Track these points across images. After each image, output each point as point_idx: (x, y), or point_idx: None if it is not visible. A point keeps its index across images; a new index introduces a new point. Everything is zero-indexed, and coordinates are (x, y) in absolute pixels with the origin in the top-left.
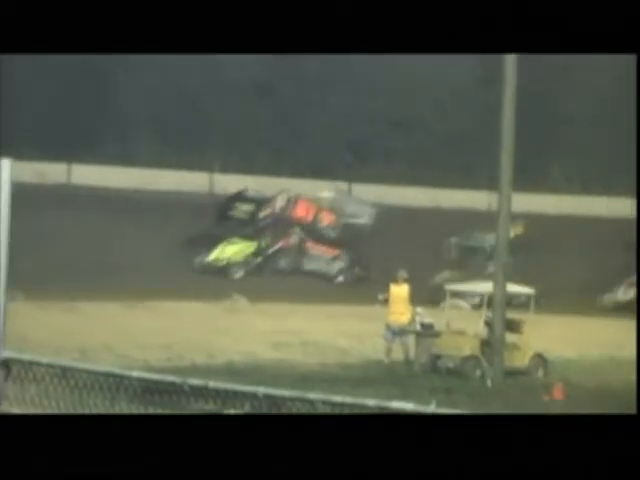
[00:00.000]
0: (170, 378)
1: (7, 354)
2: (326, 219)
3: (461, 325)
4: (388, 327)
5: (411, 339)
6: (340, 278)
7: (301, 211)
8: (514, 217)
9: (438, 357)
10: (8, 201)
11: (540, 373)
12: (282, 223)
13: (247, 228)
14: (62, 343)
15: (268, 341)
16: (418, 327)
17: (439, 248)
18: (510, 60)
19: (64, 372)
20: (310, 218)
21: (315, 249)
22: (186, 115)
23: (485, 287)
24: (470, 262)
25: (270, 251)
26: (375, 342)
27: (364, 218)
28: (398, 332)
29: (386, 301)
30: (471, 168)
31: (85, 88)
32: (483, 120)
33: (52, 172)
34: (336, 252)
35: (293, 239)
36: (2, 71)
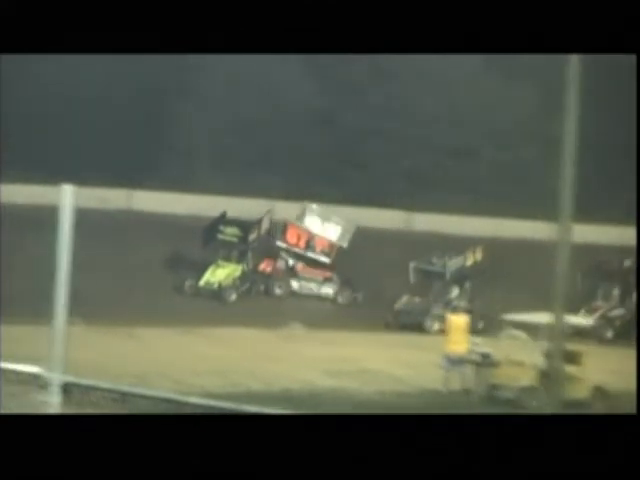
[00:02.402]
0: (226, 404)
1: (67, 379)
2: (319, 244)
3: (519, 355)
4: (446, 356)
5: (469, 369)
6: (340, 299)
7: (292, 237)
8: (473, 244)
9: (496, 387)
10: (70, 226)
11: (601, 406)
12: (268, 246)
13: (233, 251)
14: (120, 368)
15: (324, 369)
16: (476, 357)
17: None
18: (573, 89)
19: (123, 397)
20: (303, 244)
21: (305, 272)
22: (246, 143)
23: (543, 317)
24: (429, 287)
25: (256, 274)
26: (431, 371)
27: (338, 235)
28: (456, 362)
29: (444, 330)
30: (531, 198)
31: (146, 116)
32: (544, 150)
33: (113, 198)
34: (327, 274)
35: (279, 263)
36: (65, 99)
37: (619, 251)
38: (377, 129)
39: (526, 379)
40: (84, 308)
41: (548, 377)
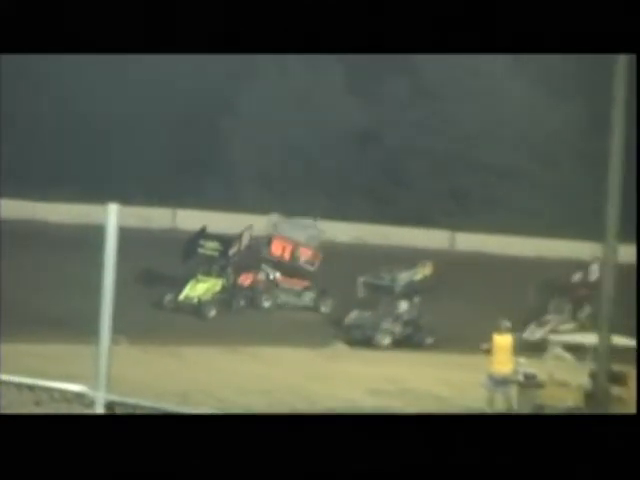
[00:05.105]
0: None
1: (111, 397)
2: (304, 255)
3: (565, 376)
4: (490, 377)
5: (513, 389)
6: (324, 308)
7: (277, 249)
8: (423, 259)
9: (541, 408)
10: (115, 245)
11: None
12: (249, 260)
13: (213, 266)
14: (164, 387)
15: (367, 388)
16: (521, 377)
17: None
18: (619, 108)
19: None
20: (287, 256)
21: (285, 282)
22: (289, 162)
23: (589, 338)
24: (379, 301)
25: (236, 288)
26: (475, 391)
27: (308, 241)
28: (500, 382)
29: (488, 351)
30: (575, 218)
31: (191, 135)
32: (589, 170)
33: (157, 217)
34: (305, 283)
35: (260, 275)
36: (109, 117)
37: (570, 265)
38: (421, 148)
39: (571, 400)
40: (127, 327)
41: (594, 398)
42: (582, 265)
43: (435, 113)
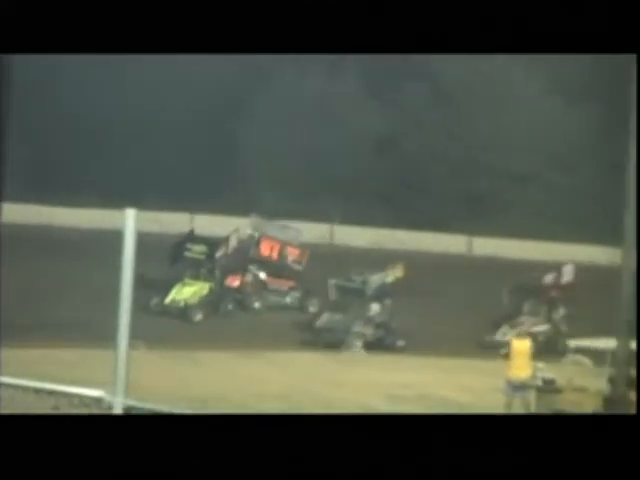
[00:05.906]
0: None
1: (130, 403)
2: (292, 254)
3: (583, 381)
4: (509, 382)
5: (532, 395)
6: (312, 308)
7: (265, 249)
8: (395, 261)
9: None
10: (133, 250)
11: None
12: (236, 262)
13: (200, 269)
14: (181, 392)
15: (385, 394)
16: (539, 382)
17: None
18: (635, 112)
19: None
20: (276, 255)
21: (272, 283)
22: (306, 167)
23: (608, 343)
24: (350, 304)
25: (224, 291)
26: (493, 397)
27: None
28: (519, 387)
29: (507, 355)
30: (591, 223)
31: (208, 140)
32: (604, 175)
33: (175, 221)
34: (290, 283)
35: (248, 277)
36: (127, 124)
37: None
38: (438, 153)
39: (590, 405)
40: (145, 331)
41: (612, 403)
42: (600, 269)
43: (452, 118)
